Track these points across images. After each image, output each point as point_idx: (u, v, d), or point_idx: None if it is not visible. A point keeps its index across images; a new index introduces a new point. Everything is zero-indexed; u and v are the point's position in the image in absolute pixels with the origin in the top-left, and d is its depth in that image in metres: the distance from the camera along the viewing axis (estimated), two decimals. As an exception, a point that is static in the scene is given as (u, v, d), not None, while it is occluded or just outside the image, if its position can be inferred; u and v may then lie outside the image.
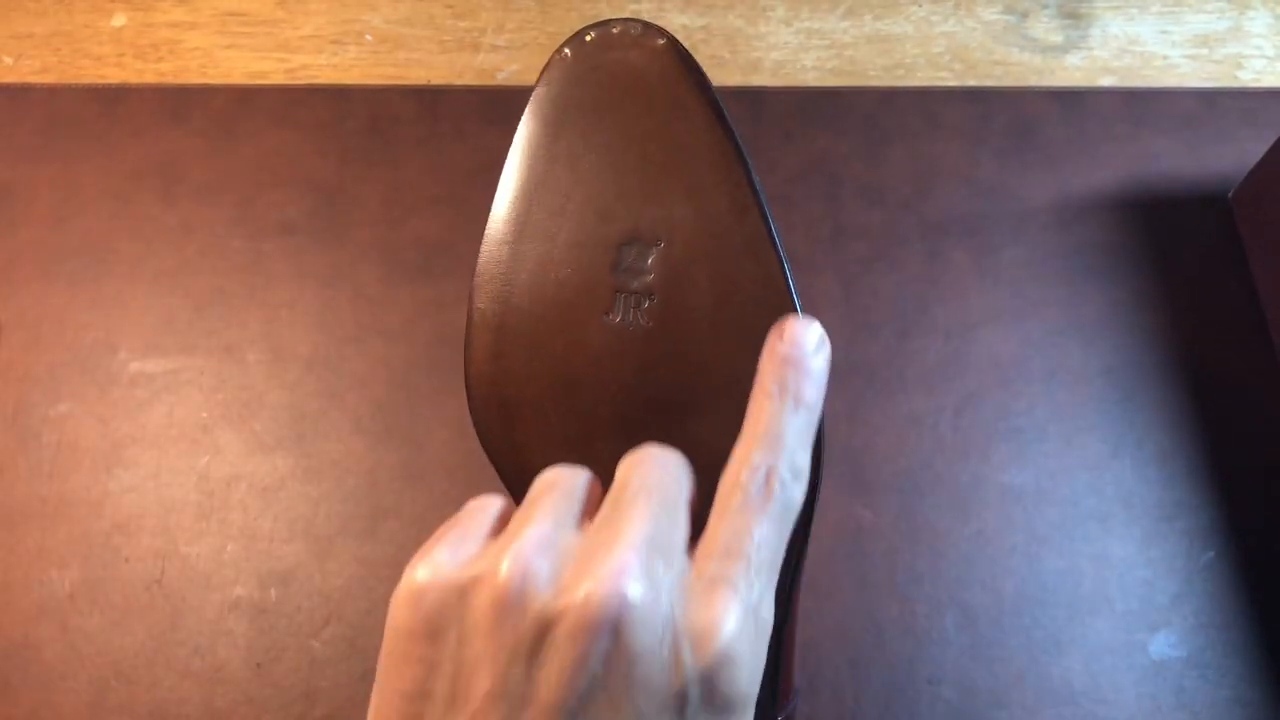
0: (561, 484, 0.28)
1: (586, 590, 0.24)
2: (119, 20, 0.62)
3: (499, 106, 0.58)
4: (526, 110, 0.35)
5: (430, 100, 0.58)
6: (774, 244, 0.33)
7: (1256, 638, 0.46)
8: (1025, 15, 0.62)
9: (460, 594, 0.25)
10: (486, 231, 0.34)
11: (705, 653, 0.24)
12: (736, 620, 0.25)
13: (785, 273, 0.33)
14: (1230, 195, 0.55)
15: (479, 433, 0.34)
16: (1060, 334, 0.52)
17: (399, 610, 0.26)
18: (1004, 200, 0.55)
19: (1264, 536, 0.48)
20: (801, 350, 0.29)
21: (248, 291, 0.54)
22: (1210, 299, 0.53)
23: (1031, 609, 0.47)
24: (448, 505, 0.49)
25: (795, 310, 0.33)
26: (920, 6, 0.62)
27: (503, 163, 0.35)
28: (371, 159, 0.57)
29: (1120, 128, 0.57)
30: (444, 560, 0.26)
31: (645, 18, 0.61)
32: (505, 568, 0.25)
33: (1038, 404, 0.51)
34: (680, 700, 0.24)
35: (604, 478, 0.30)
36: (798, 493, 0.28)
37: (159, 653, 0.46)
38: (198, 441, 0.50)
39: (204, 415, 0.51)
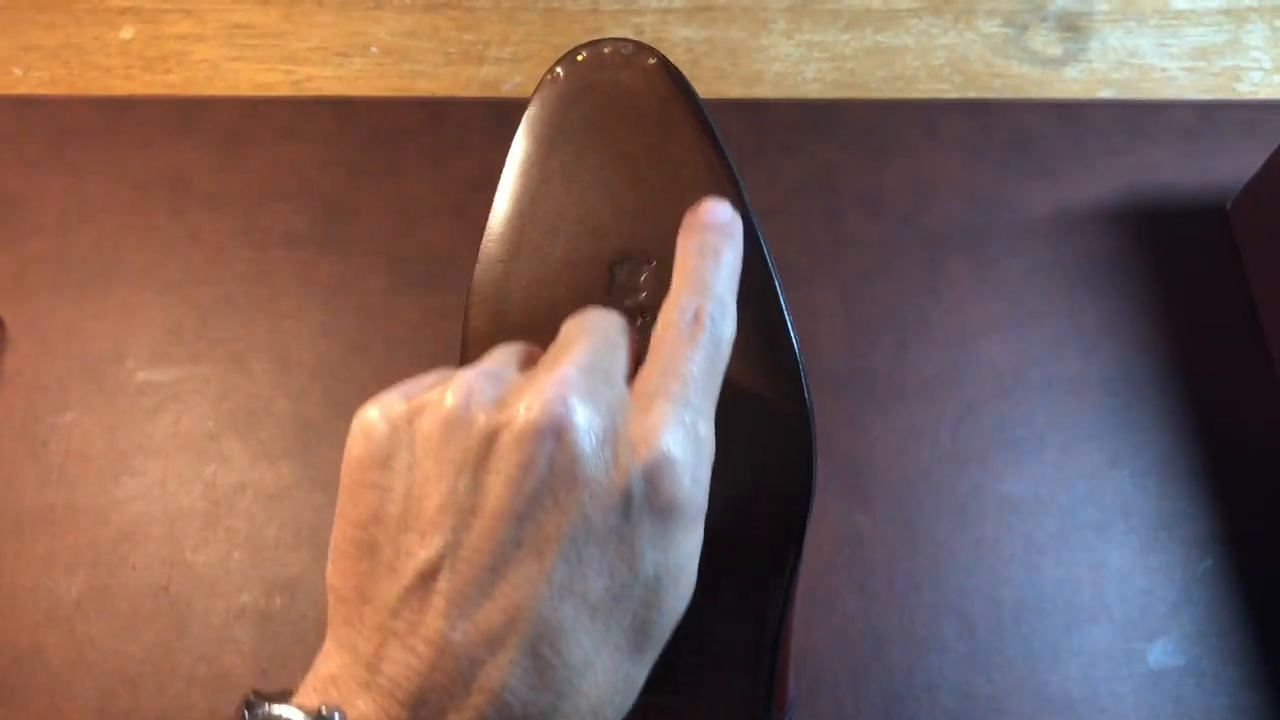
0: (514, 345, 0.30)
1: (529, 399, 0.25)
2: (127, 32, 0.63)
3: (503, 118, 0.59)
4: (520, 129, 0.35)
5: (435, 112, 0.59)
6: (765, 260, 0.34)
7: (1254, 646, 0.47)
8: (1024, 28, 0.62)
9: (408, 421, 0.26)
10: (481, 249, 0.35)
11: (645, 452, 0.25)
12: (674, 424, 0.26)
13: (776, 288, 0.34)
14: (1228, 206, 0.56)
15: None
16: (1059, 344, 0.53)
17: (352, 443, 0.27)
18: (1003, 211, 0.56)
19: (1261, 545, 0.49)
20: (715, 217, 0.31)
21: (254, 301, 0.54)
22: (1208, 310, 0.53)
23: (1030, 617, 0.47)
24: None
25: (787, 325, 0.33)
26: (920, 19, 0.62)
27: None
28: (377, 170, 0.57)
29: (1119, 139, 0.58)
30: (393, 398, 0.27)
31: (648, 30, 0.61)
32: (450, 390, 0.26)
33: (1036, 414, 0.51)
34: (625, 499, 0.25)
35: None
36: (727, 328, 0.29)
37: (165, 659, 0.47)
38: (204, 450, 0.51)
39: (210, 424, 0.52)
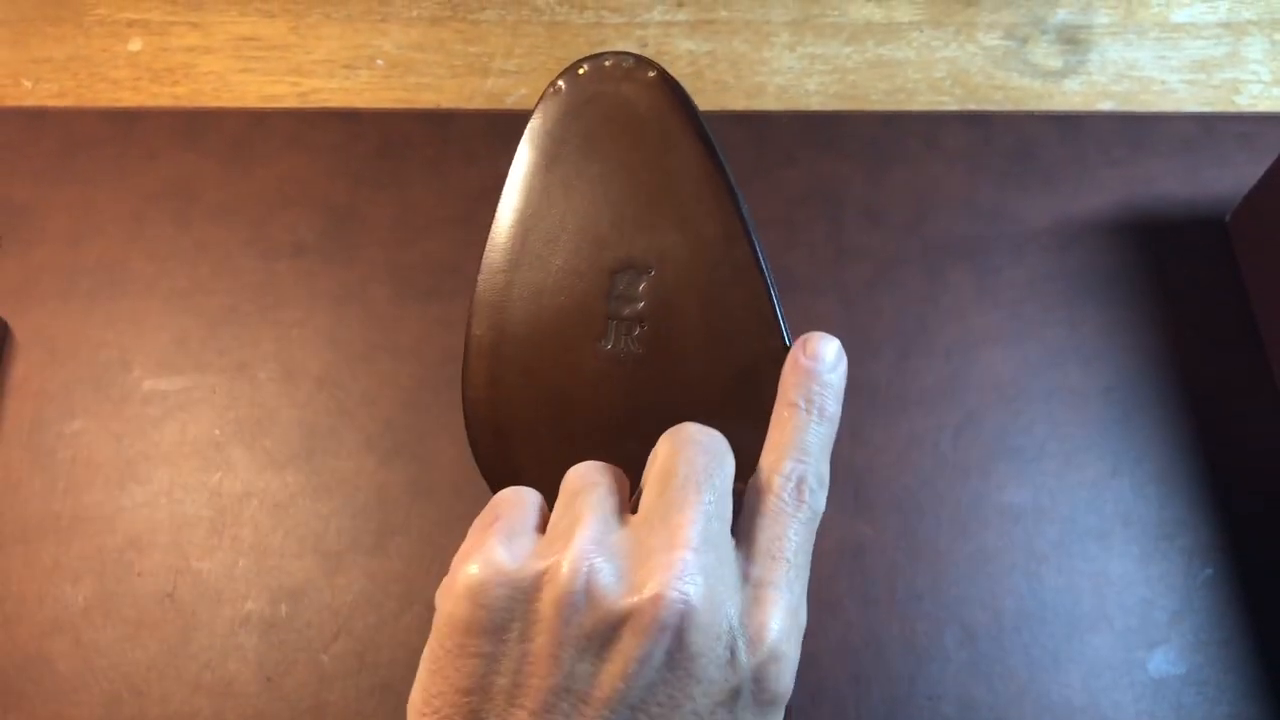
0: (601, 479, 0.29)
1: (653, 590, 0.25)
2: (135, 45, 0.63)
3: (508, 130, 0.59)
4: (522, 141, 0.36)
5: (440, 123, 0.60)
6: (762, 272, 0.34)
7: (1255, 655, 0.47)
8: (1025, 41, 0.63)
9: (523, 590, 0.26)
10: (483, 259, 0.35)
11: (758, 651, 0.25)
12: (784, 618, 0.26)
13: (773, 300, 0.34)
14: (1227, 218, 0.56)
15: (476, 456, 0.35)
16: (1060, 354, 0.53)
17: (459, 604, 0.26)
18: (1004, 222, 0.56)
19: (1262, 554, 0.49)
20: (823, 364, 0.31)
21: (260, 311, 0.55)
22: (1208, 320, 0.54)
23: (1031, 626, 0.47)
24: (456, 522, 0.50)
25: (784, 337, 0.34)
26: (921, 32, 0.63)
27: None
28: (382, 181, 0.58)
29: (1119, 151, 0.58)
30: (501, 557, 0.26)
31: (652, 43, 0.62)
32: (569, 564, 0.25)
33: (1037, 423, 0.51)
34: (734, 696, 0.25)
35: None
36: (822, 500, 0.29)
37: (170, 666, 0.47)
38: (210, 458, 0.51)
39: (216, 432, 0.52)
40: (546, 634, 0.25)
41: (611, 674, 0.24)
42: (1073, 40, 0.63)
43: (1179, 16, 0.63)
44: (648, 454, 0.32)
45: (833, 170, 0.58)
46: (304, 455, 0.51)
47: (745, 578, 0.27)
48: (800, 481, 0.29)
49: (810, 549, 0.29)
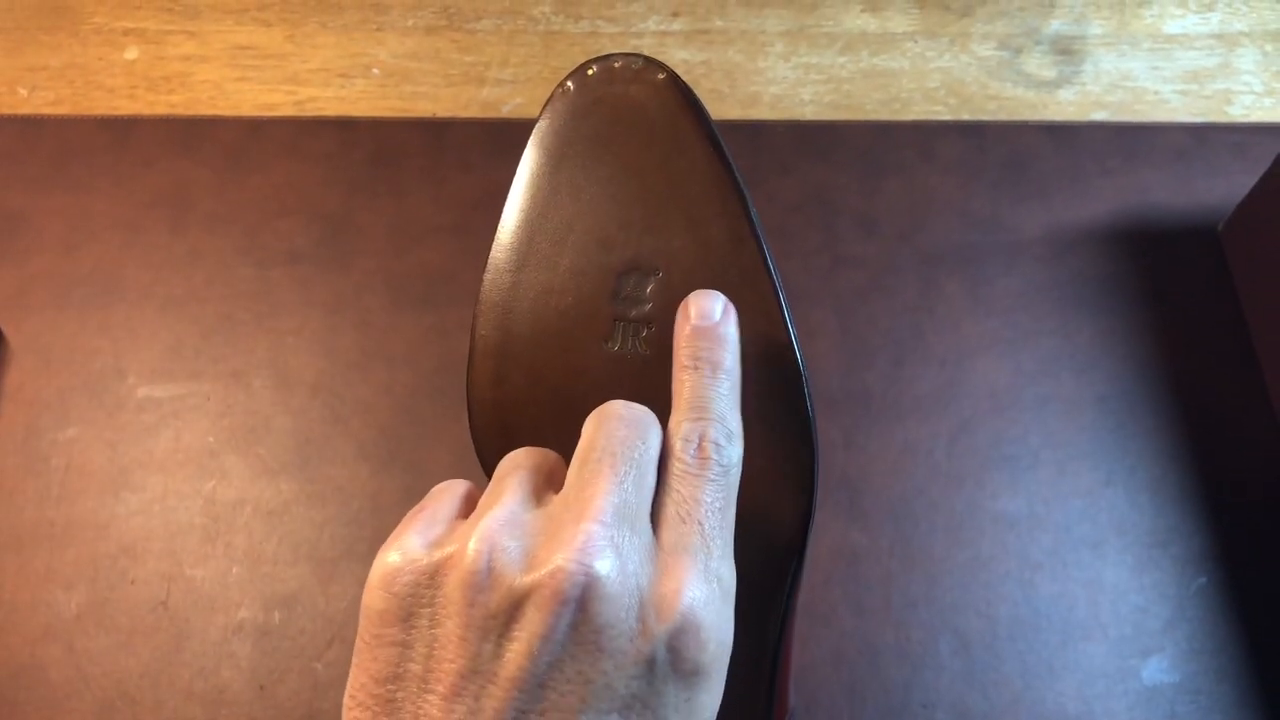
0: (525, 462, 0.29)
1: (554, 564, 0.24)
2: (131, 53, 0.63)
3: (503, 138, 0.59)
4: (530, 141, 0.36)
5: (436, 132, 0.60)
6: (770, 275, 0.34)
7: (1248, 663, 0.47)
8: (1019, 51, 0.63)
9: (431, 576, 0.26)
10: (490, 259, 0.35)
11: (669, 618, 0.25)
12: (698, 583, 0.26)
13: (781, 303, 0.34)
14: (1220, 227, 0.56)
15: (480, 456, 0.35)
16: (1053, 363, 0.53)
17: (372, 595, 0.26)
18: (998, 232, 0.56)
19: (1255, 563, 0.49)
20: (708, 319, 0.31)
21: (255, 319, 0.55)
22: (1201, 329, 0.54)
23: (1025, 634, 0.47)
24: (450, 529, 0.49)
25: (791, 340, 0.34)
26: (916, 43, 0.63)
27: (506, 194, 0.36)
28: (377, 189, 0.58)
29: (1112, 161, 0.58)
30: (414, 544, 0.26)
31: (647, 52, 0.62)
32: (472, 546, 0.25)
33: (1031, 432, 0.52)
34: (648, 666, 0.25)
35: None
36: (733, 454, 0.28)
37: (164, 674, 0.47)
38: (204, 466, 0.51)
39: (210, 440, 0.52)
40: (453, 617, 0.25)
41: (516, 652, 0.24)
42: (1066, 51, 0.63)
43: (1172, 28, 0.64)
44: None
45: (827, 179, 0.58)
46: (298, 463, 0.51)
47: (658, 546, 0.26)
48: (701, 439, 0.28)
49: (729, 507, 0.28)
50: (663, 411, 0.33)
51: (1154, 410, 0.52)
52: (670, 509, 0.27)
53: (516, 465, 0.29)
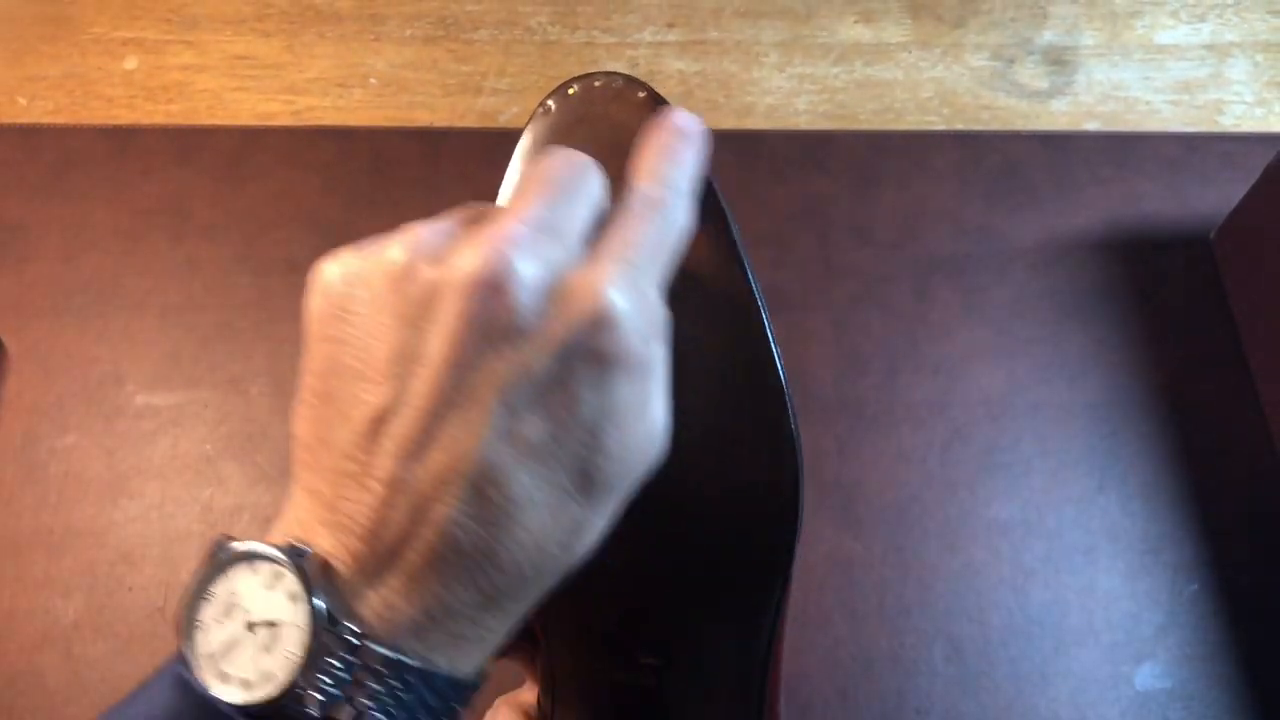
0: (469, 204, 0.30)
1: (470, 253, 0.26)
2: (130, 63, 0.64)
3: (500, 148, 0.59)
4: (513, 161, 0.36)
5: (433, 142, 0.60)
6: (753, 292, 0.34)
7: (1240, 669, 0.47)
8: (1012, 62, 0.63)
9: (359, 275, 0.27)
10: None
11: (586, 303, 0.26)
12: (619, 279, 0.26)
13: (764, 320, 0.34)
14: (1211, 236, 0.57)
15: None
16: (1046, 371, 0.53)
17: (310, 299, 0.27)
18: (991, 240, 0.57)
19: (1246, 569, 0.49)
20: (680, 122, 0.31)
21: (253, 327, 0.55)
22: (1192, 337, 0.54)
23: (1018, 640, 0.48)
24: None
25: (774, 357, 0.33)
26: (909, 53, 0.64)
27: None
28: (375, 198, 0.58)
29: (1104, 171, 0.59)
30: (348, 254, 0.28)
31: (643, 63, 0.63)
32: (398, 244, 0.27)
33: (1024, 439, 0.52)
34: (563, 348, 0.25)
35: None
36: (680, 215, 0.29)
37: (161, 680, 0.47)
38: (202, 473, 0.51)
39: (208, 447, 0.52)
40: (379, 310, 0.26)
41: (437, 337, 0.25)
42: (1059, 61, 0.63)
43: (1163, 38, 0.64)
44: None
45: (822, 189, 0.58)
46: (295, 470, 0.51)
47: (586, 258, 0.27)
48: (649, 193, 0.29)
49: (666, 252, 0.28)
50: None
51: (1146, 417, 0.52)
52: (603, 244, 0.28)
53: (466, 205, 0.30)
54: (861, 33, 0.64)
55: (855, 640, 0.48)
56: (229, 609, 0.26)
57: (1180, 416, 0.52)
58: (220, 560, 0.27)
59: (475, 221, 0.28)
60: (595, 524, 0.27)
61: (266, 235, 0.57)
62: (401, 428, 0.25)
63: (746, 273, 0.34)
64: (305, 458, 0.28)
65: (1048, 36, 0.64)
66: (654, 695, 0.35)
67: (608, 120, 0.35)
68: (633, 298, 0.26)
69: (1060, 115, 0.61)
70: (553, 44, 0.64)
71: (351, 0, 0.66)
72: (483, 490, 0.25)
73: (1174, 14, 0.65)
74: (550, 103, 0.36)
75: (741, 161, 0.59)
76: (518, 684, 0.38)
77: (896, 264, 0.56)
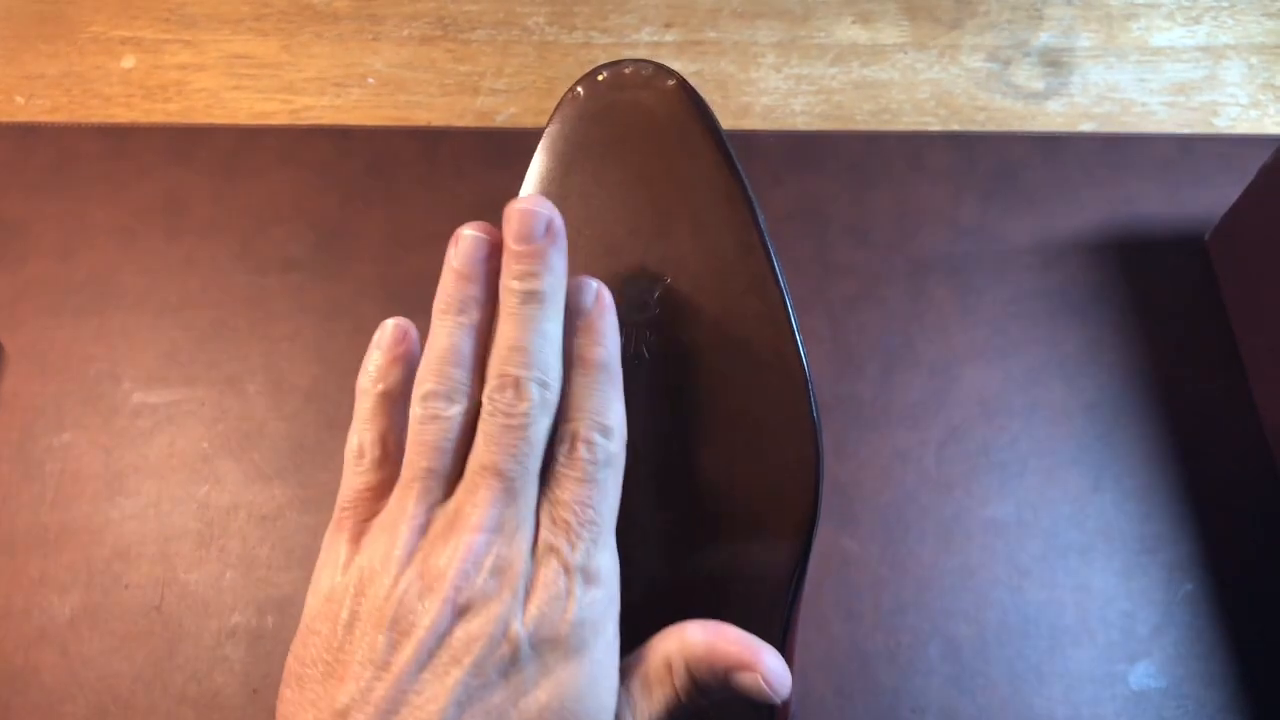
0: (426, 465, 0.31)
1: (435, 579, 0.28)
2: (128, 62, 0.64)
3: (498, 148, 0.60)
4: (540, 146, 0.36)
5: (430, 141, 0.60)
6: (778, 283, 0.34)
7: (1235, 669, 0.47)
8: (1008, 63, 0.63)
9: (353, 591, 0.30)
10: None
11: (529, 622, 0.28)
12: (552, 584, 0.29)
13: (788, 310, 0.34)
14: (1206, 237, 0.57)
15: None
16: (1042, 371, 0.54)
17: (309, 597, 0.31)
18: (987, 241, 0.57)
19: (1242, 569, 0.49)
20: (585, 299, 0.32)
21: (249, 325, 0.55)
22: (1187, 338, 0.54)
23: (1014, 639, 0.48)
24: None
25: (798, 349, 0.33)
26: (906, 54, 0.64)
27: (501, 202, 0.36)
28: (372, 198, 0.58)
29: (1100, 172, 0.59)
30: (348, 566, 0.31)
31: (640, 63, 0.63)
32: (388, 576, 0.29)
33: (1020, 439, 0.52)
34: (514, 651, 0.28)
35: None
36: (611, 447, 0.30)
37: (157, 678, 0.47)
38: (198, 471, 0.51)
39: (205, 445, 0.52)
40: (362, 621, 0.29)
41: (405, 648, 0.28)
42: (1055, 63, 0.64)
43: (1159, 40, 0.64)
44: (657, 459, 0.33)
45: (818, 189, 0.58)
46: (292, 468, 0.51)
47: (536, 547, 0.29)
48: (573, 439, 0.30)
49: (604, 497, 0.30)
50: (664, 417, 0.33)
51: (1142, 417, 0.53)
52: (544, 511, 0.30)
53: (415, 476, 0.31)
54: (858, 34, 0.65)
55: (851, 639, 0.48)
56: None
57: (1175, 416, 0.53)
58: None
59: (441, 536, 0.30)
60: None
61: (264, 234, 0.57)
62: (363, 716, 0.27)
63: (774, 268, 0.34)
64: None
65: (1044, 38, 0.64)
66: None
67: (637, 106, 0.35)
68: (564, 589, 0.29)
69: (1056, 117, 0.62)
70: (550, 44, 0.64)
71: (349, 0, 0.66)
72: None
73: (1169, 16, 0.65)
74: (579, 89, 0.36)
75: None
76: None
77: (893, 264, 0.56)
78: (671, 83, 0.35)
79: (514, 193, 0.35)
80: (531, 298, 0.30)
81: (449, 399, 0.30)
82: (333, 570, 0.31)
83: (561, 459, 0.30)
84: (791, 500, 0.34)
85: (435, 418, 0.30)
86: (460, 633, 0.28)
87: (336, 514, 0.32)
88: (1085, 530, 0.50)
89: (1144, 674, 0.47)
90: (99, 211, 0.58)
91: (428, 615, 0.28)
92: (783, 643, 0.34)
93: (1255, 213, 0.53)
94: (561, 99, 0.36)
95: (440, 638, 0.28)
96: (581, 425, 0.30)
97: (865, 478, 0.51)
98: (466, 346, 0.31)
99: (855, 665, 0.47)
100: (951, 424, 0.52)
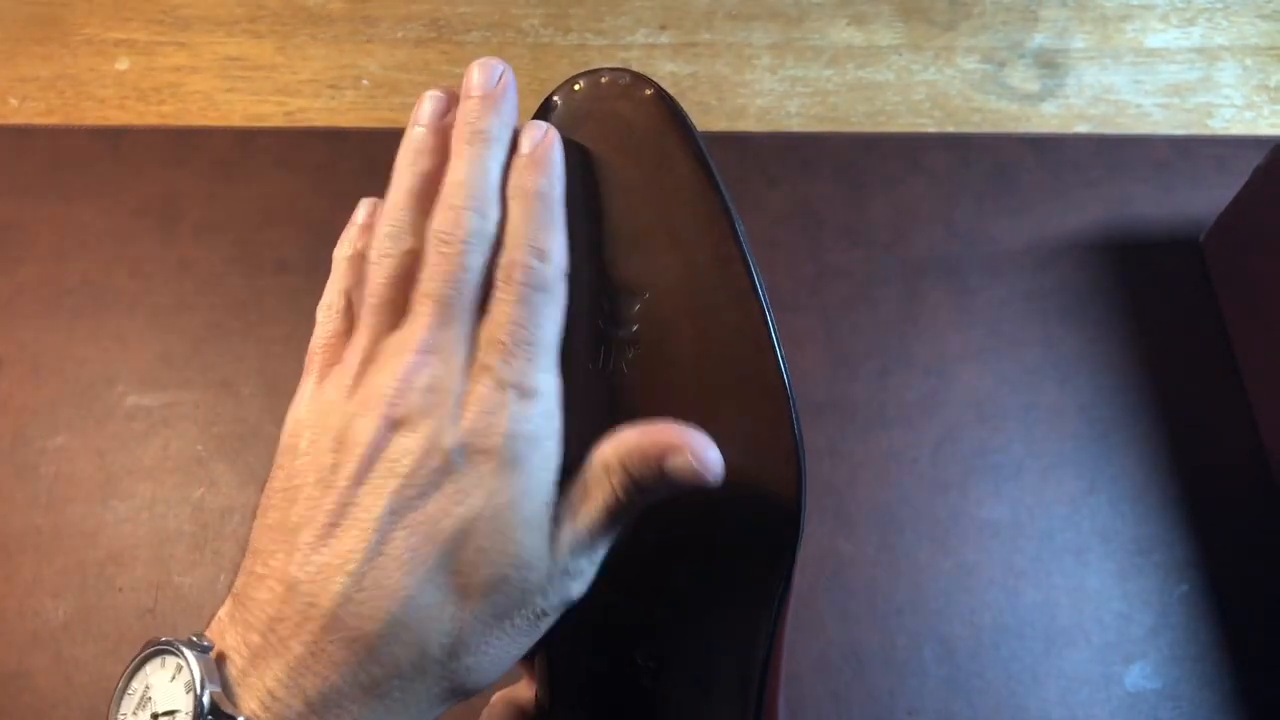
0: (377, 308, 0.32)
1: (372, 401, 0.30)
2: (122, 64, 0.64)
3: (492, 149, 0.60)
4: None
5: (425, 143, 0.60)
6: (758, 295, 0.33)
7: (1230, 670, 0.47)
8: (1003, 65, 0.64)
9: (311, 417, 0.32)
10: None
11: (464, 429, 0.30)
12: (488, 398, 0.30)
13: (769, 324, 0.33)
14: (1201, 239, 0.57)
15: None
16: (1037, 372, 0.54)
17: (283, 438, 0.32)
18: (982, 243, 0.57)
19: (1236, 570, 0.49)
20: (529, 143, 0.34)
21: (244, 328, 0.55)
22: (1182, 339, 0.54)
23: (1009, 641, 0.48)
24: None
25: (779, 363, 0.33)
26: (901, 56, 0.64)
27: None
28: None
29: (1095, 173, 0.59)
30: (305, 398, 0.33)
31: (635, 65, 0.63)
32: (331, 385, 0.32)
33: (1015, 440, 0.52)
34: (446, 461, 0.29)
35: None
36: (545, 273, 0.32)
37: (151, 682, 0.47)
38: (192, 474, 0.51)
39: (199, 448, 0.52)
40: (316, 441, 0.31)
41: (349, 462, 0.29)
42: (1050, 64, 0.64)
43: (1154, 42, 0.64)
44: None
45: (813, 191, 0.58)
46: (287, 471, 0.51)
47: (472, 365, 0.31)
48: (510, 265, 0.31)
49: (544, 320, 0.31)
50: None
51: (1137, 419, 0.53)
52: (482, 334, 0.31)
53: (366, 311, 0.33)
54: (853, 35, 0.65)
55: (846, 640, 0.48)
56: (143, 701, 0.29)
57: (1170, 418, 0.53)
58: (141, 657, 0.30)
59: (382, 362, 0.31)
60: (482, 636, 0.29)
61: (258, 236, 0.57)
62: (307, 536, 0.29)
63: (754, 280, 0.33)
64: (243, 562, 0.31)
65: (1038, 40, 0.64)
66: (652, 695, 0.35)
67: (613, 117, 0.35)
68: (502, 403, 0.30)
69: (1051, 118, 0.62)
70: (545, 46, 0.64)
71: (343, 2, 0.66)
72: (364, 586, 0.28)
73: (1164, 18, 0.65)
74: (556, 98, 0.35)
75: (733, 164, 0.59)
76: (515, 681, 0.38)
77: (888, 266, 0.56)
78: (649, 92, 0.35)
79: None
80: (476, 137, 0.32)
81: (396, 239, 0.33)
82: (297, 407, 0.32)
83: (499, 284, 0.31)
84: (774, 518, 0.33)
85: (385, 256, 0.32)
86: (394, 447, 0.29)
87: (307, 360, 0.34)
88: (1080, 532, 0.50)
89: (1139, 675, 0.47)
90: (93, 214, 0.58)
91: (365, 432, 0.29)
92: (767, 657, 0.34)
93: (1250, 214, 0.53)
94: (538, 109, 0.36)
95: (377, 452, 0.29)
96: (517, 251, 0.31)
97: (860, 479, 0.51)
98: (418, 189, 0.33)
99: (850, 667, 0.47)
100: (946, 425, 0.52)
